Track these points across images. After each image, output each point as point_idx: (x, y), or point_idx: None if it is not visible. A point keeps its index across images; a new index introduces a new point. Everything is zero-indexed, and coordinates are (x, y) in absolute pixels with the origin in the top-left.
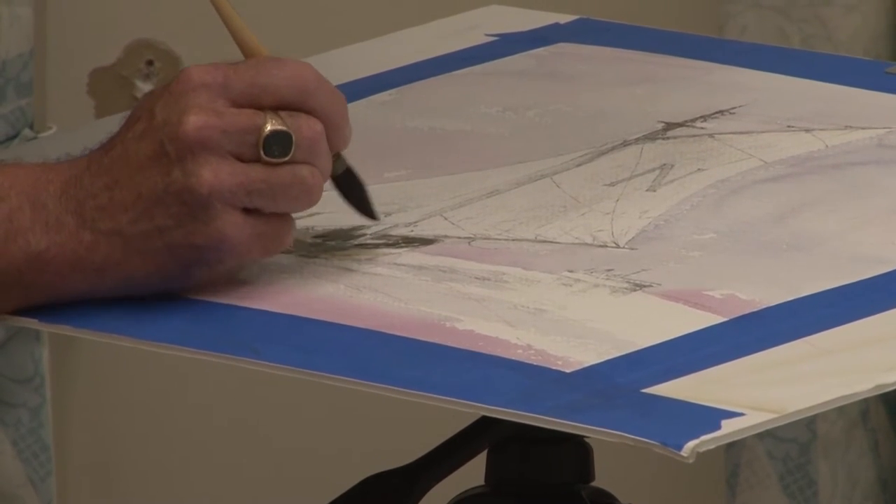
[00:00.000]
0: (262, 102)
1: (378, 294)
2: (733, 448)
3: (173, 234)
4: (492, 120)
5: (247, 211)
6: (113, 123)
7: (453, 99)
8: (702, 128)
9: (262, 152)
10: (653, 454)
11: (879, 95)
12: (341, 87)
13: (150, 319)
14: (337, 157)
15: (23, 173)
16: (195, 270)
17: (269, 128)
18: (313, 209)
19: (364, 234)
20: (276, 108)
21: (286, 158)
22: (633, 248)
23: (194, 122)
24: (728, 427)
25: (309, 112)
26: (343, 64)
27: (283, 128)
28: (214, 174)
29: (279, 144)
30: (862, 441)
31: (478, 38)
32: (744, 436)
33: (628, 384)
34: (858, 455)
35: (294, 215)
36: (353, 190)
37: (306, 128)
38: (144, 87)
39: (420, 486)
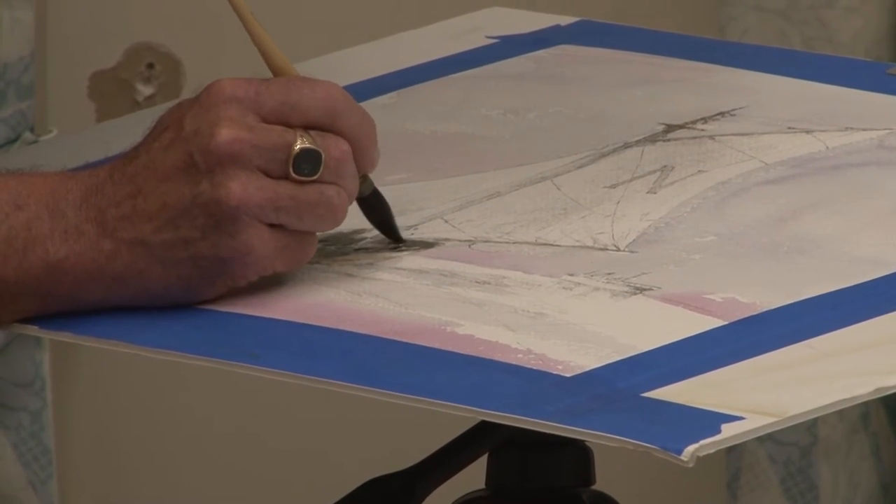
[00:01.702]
0: (291, 120)
1: (378, 299)
2: (734, 452)
3: (198, 245)
4: (492, 122)
5: (272, 226)
6: (113, 126)
7: (454, 101)
8: (702, 129)
9: (291, 170)
10: (653, 458)
11: (880, 97)
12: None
13: (151, 326)
14: (364, 179)
15: (41, 182)
16: (217, 282)
17: (299, 146)
18: None
19: (364, 239)
20: (306, 127)
21: (314, 177)
22: (633, 251)
23: (226, 134)
24: (728, 431)
25: (338, 133)
26: (344, 66)
27: (314, 146)
28: (243, 188)
29: (309, 163)
30: (863, 445)
31: (478, 41)
32: (744, 440)
33: (628, 388)
34: (860, 459)
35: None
36: (377, 211)
37: (335, 148)
38: (145, 90)
39: (420, 490)
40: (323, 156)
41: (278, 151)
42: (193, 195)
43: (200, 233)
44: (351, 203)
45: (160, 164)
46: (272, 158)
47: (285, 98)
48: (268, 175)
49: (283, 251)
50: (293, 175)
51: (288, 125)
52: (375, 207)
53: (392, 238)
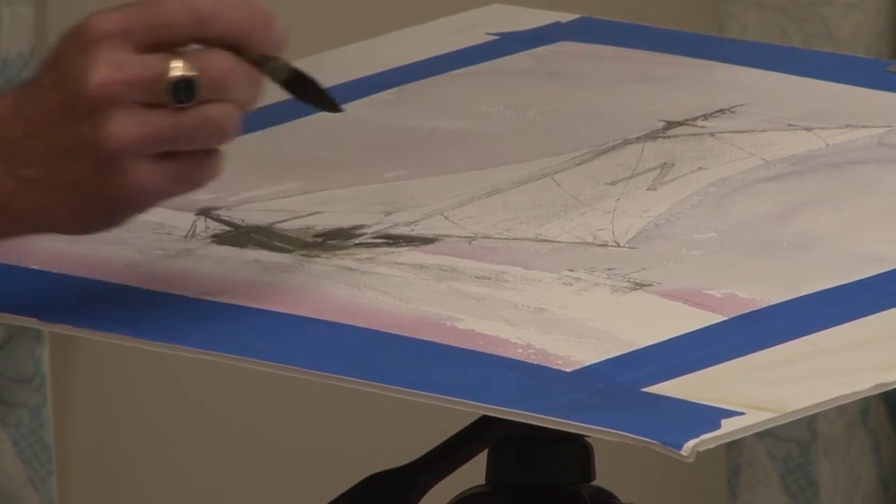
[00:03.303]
0: (165, 42)
1: (378, 293)
2: (734, 447)
3: (91, 184)
4: (493, 119)
5: (163, 155)
6: None
7: (454, 98)
8: (703, 126)
9: (169, 99)
10: (654, 453)
11: (880, 94)
12: (343, 86)
13: (151, 319)
14: (276, 63)
15: None
16: (119, 216)
17: (172, 75)
18: (314, 208)
19: (365, 234)
20: (182, 44)
21: (195, 102)
22: (633, 247)
23: (97, 77)
24: (728, 426)
25: (215, 40)
26: (344, 63)
27: (187, 73)
28: (121, 128)
29: (185, 90)
30: (863, 441)
31: (479, 37)
32: (744, 435)
33: (628, 383)
34: (859, 455)
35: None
36: (306, 90)
37: (212, 67)
38: None
39: (420, 486)
40: (199, 79)
41: (152, 83)
42: (77, 138)
43: (90, 172)
44: (245, 110)
45: (48, 104)
46: (148, 91)
47: (153, 20)
48: (150, 106)
49: (180, 177)
50: (173, 104)
51: (165, 47)
52: (302, 86)
53: (332, 110)
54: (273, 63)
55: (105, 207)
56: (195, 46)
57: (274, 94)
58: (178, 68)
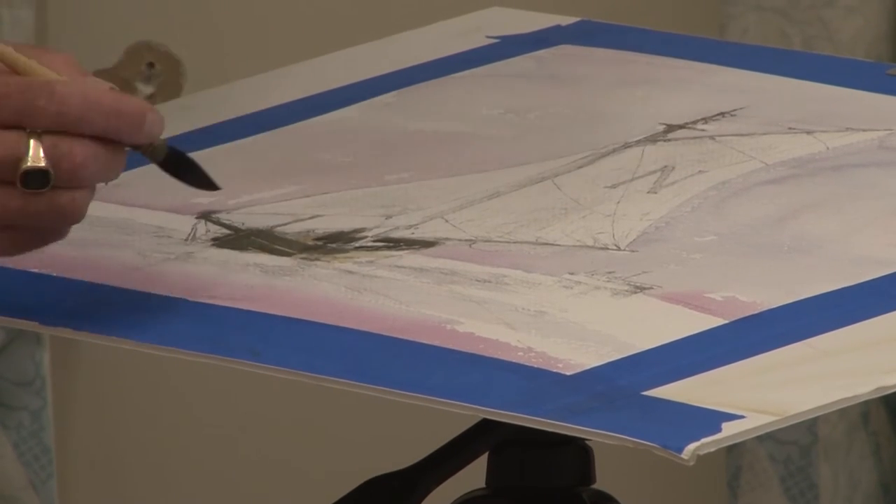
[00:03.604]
0: (30, 124)
1: (379, 296)
2: (734, 450)
3: None
4: (493, 122)
5: (6, 225)
6: None
7: (455, 101)
8: (703, 130)
9: (19, 183)
10: (654, 456)
11: (880, 97)
12: (343, 89)
13: (151, 322)
14: (150, 147)
15: None
16: None
17: (25, 164)
18: (314, 211)
19: (365, 237)
20: (46, 130)
21: (45, 190)
22: (633, 251)
23: None
24: (728, 430)
25: (81, 133)
26: (344, 66)
27: (40, 165)
28: None
29: (36, 181)
30: (863, 444)
31: (479, 40)
32: (744, 438)
33: (629, 386)
34: (860, 458)
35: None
36: (183, 169)
37: (67, 159)
38: (145, 89)
39: (421, 489)
40: (51, 172)
41: (5, 165)
42: None
43: None
44: (90, 199)
45: None
46: (0, 169)
47: (22, 105)
48: (1, 182)
49: (20, 245)
50: (22, 189)
51: (28, 127)
52: (178, 166)
53: (209, 188)
54: (149, 147)
55: None
56: None
57: (274, 97)
58: (33, 157)
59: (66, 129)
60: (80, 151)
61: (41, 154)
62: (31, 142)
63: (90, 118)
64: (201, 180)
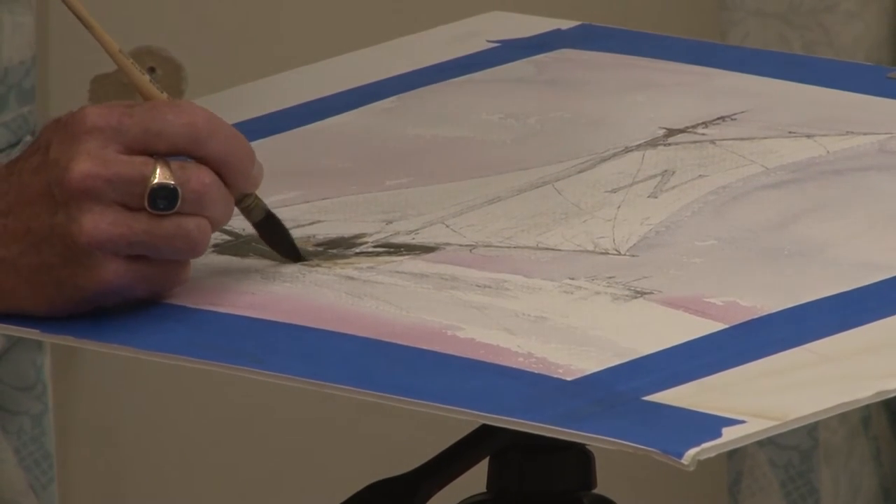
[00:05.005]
0: (154, 149)
1: (379, 302)
2: (735, 455)
3: (60, 271)
4: (493, 127)
5: (134, 256)
6: None
7: (455, 106)
8: (703, 134)
9: (146, 204)
10: (654, 462)
11: (881, 101)
12: (343, 94)
13: (152, 329)
14: (252, 201)
15: None
16: (82, 305)
17: (154, 181)
18: (315, 217)
19: (366, 242)
20: (170, 153)
21: (172, 211)
22: (634, 256)
23: (80, 169)
24: (729, 435)
25: (203, 158)
26: (345, 71)
27: (170, 182)
28: (95, 224)
29: (164, 198)
30: (864, 449)
31: (479, 45)
32: (745, 443)
33: (629, 392)
34: (860, 463)
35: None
36: (274, 234)
37: (195, 180)
38: None
39: (422, 494)
40: (180, 191)
41: (134, 185)
42: (51, 225)
43: (60, 260)
44: (217, 229)
45: (27, 187)
46: (128, 192)
47: (148, 125)
48: (127, 207)
49: (145, 280)
50: (149, 209)
51: (152, 153)
52: (271, 230)
53: (293, 259)
54: (249, 200)
55: (70, 296)
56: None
57: (274, 102)
58: (162, 175)
59: (194, 142)
60: (205, 176)
61: (169, 173)
62: (159, 163)
63: (217, 137)
64: (288, 251)
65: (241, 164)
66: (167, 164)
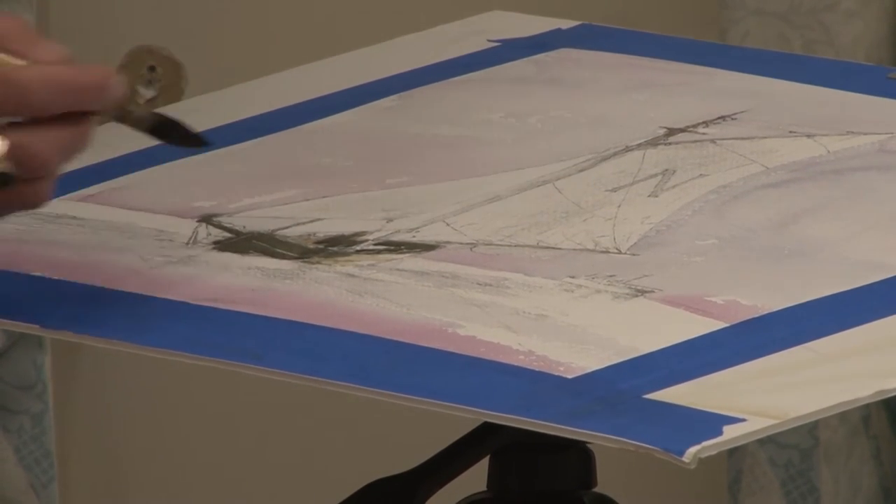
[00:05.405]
0: None
1: (380, 300)
2: (735, 454)
3: None
4: (494, 126)
5: None
6: (113, 130)
7: (455, 105)
8: (704, 133)
9: None
10: (655, 460)
11: (881, 101)
12: (344, 92)
13: (153, 325)
14: (130, 115)
15: None
16: None
17: None
18: (315, 214)
19: (366, 240)
20: (10, 122)
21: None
22: (634, 254)
23: None
24: (730, 433)
25: (45, 115)
26: (346, 69)
27: (2, 169)
28: None
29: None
30: (864, 448)
31: (480, 44)
32: (745, 441)
33: (630, 390)
34: (860, 462)
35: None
36: (173, 132)
37: (32, 157)
38: (146, 93)
39: (422, 492)
40: (12, 175)
41: None
42: None
43: None
44: (56, 183)
45: None
46: None
47: None
48: None
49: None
50: None
51: None
52: (168, 131)
53: (199, 146)
54: (133, 114)
55: None
56: None
57: (275, 100)
58: None
59: (30, 115)
60: (45, 148)
61: (4, 151)
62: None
63: (53, 100)
64: (192, 139)
65: (88, 104)
66: (5, 141)
